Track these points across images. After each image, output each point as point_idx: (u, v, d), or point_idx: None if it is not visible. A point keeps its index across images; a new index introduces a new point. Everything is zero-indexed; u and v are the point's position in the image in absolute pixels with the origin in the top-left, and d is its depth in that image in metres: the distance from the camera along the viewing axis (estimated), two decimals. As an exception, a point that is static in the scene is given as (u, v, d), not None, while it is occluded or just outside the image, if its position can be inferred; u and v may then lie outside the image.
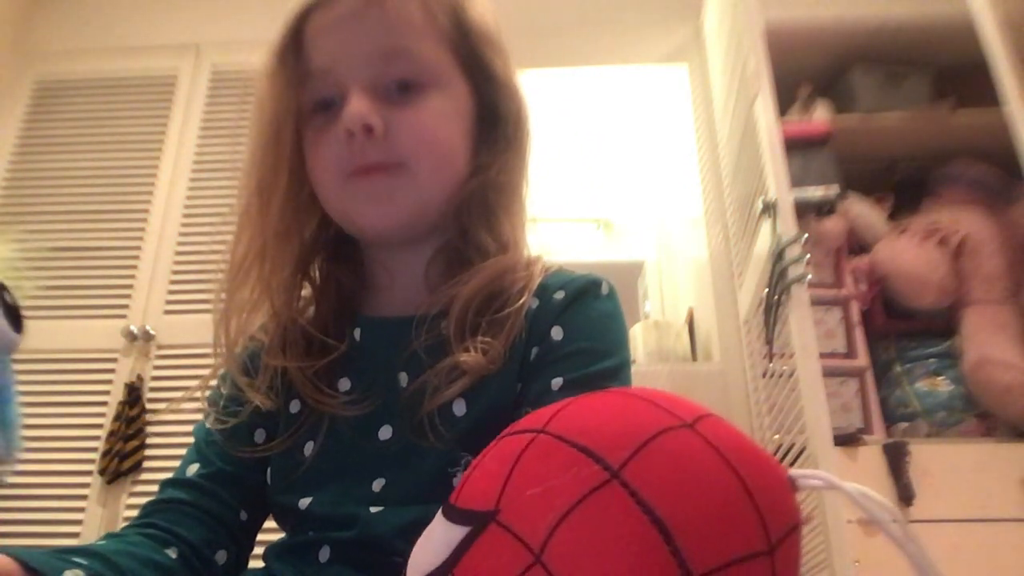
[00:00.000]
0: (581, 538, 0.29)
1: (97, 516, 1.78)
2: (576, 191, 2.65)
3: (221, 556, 0.60)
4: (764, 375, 1.71)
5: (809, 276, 1.47)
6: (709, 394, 1.85)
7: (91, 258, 2.06)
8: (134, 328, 1.94)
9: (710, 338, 2.01)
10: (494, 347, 0.58)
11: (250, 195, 0.64)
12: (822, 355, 1.49)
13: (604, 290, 0.64)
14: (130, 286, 2.02)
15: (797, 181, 1.70)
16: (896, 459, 1.53)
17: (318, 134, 0.62)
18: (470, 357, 0.57)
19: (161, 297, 2.00)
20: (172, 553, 0.56)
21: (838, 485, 0.33)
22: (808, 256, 1.48)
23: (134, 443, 1.81)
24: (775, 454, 1.61)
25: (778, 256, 1.50)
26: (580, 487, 0.29)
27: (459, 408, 0.58)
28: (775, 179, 1.55)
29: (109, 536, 0.56)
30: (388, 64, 0.61)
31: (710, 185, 2.12)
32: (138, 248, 2.06)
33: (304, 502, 0.59)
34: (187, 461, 0.65)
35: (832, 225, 1.81)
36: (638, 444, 0.30)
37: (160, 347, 1.95)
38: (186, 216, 2.09)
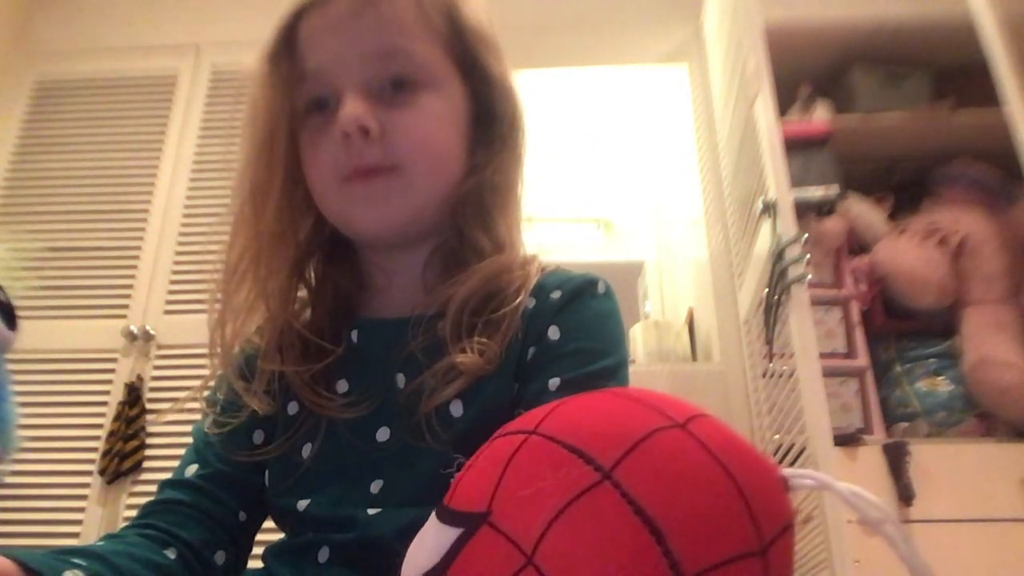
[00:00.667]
0: (572, 539, 0.29)
1: (97, 516, 1.78)
2: (576, 191, 2.65)
3: (220, 557, 0.60)
4: (764, 375, 1.71)
5: (809, 276, 1.47)
6: (709, 394, 1.85)
7: (91, 258, 2.06)
8: (134, 328, 1.94)
9: (710, 338, 2.01)
10: (490, 347, 0.58)
11: (244, 198, 0.64)
12: (822, 355, 1.49)
13: (601, 289, 0.63)
14: (130, 286, 2.02)
15: (797, 181, 1.70)
16: (896, 459, 1.53)
17: (313, 136, 0.62)
18: (467, 358, 0.57)
19: (161, 297, 2.00)
20: (171, 554, 0.56)
21: (831, 485, 0.33)
22: (808, 256, 1.48)
23: (134, 443, 1.81)
24: (775, 454, 1.61)
25: (778, 256, 1.50)
26: (571, 488, 0.29)
27: (456, 409, 0.58)
28: (775, 179, 1.55)
29: (108, 537, 0.56)
30: (383, 64, 0.61)
31: (710, 185, 2.12)
32: (138, 248, 2.06)
33: (302, 504, 0.59)
34: (185, 462, 0.65)
35: (832, 225, 1.81)
36: (630, 444, 0.30)
37: (160, 347, 1.95)
38: (186, 216, 2.09)
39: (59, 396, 1.90)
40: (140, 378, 1.90)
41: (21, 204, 2.14)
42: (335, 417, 0.61)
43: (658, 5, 2.28)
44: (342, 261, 0.70)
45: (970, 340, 1.71)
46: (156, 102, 2.23)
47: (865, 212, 1.89)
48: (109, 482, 1.79)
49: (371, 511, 0.56)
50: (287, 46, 0.62)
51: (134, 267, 2.04)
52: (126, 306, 2.00)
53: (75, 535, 1.77)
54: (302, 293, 0.69)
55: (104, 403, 1.89)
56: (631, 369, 0.63)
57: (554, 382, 0.56)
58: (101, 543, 0.54)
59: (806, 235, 1.49)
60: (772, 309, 1.55)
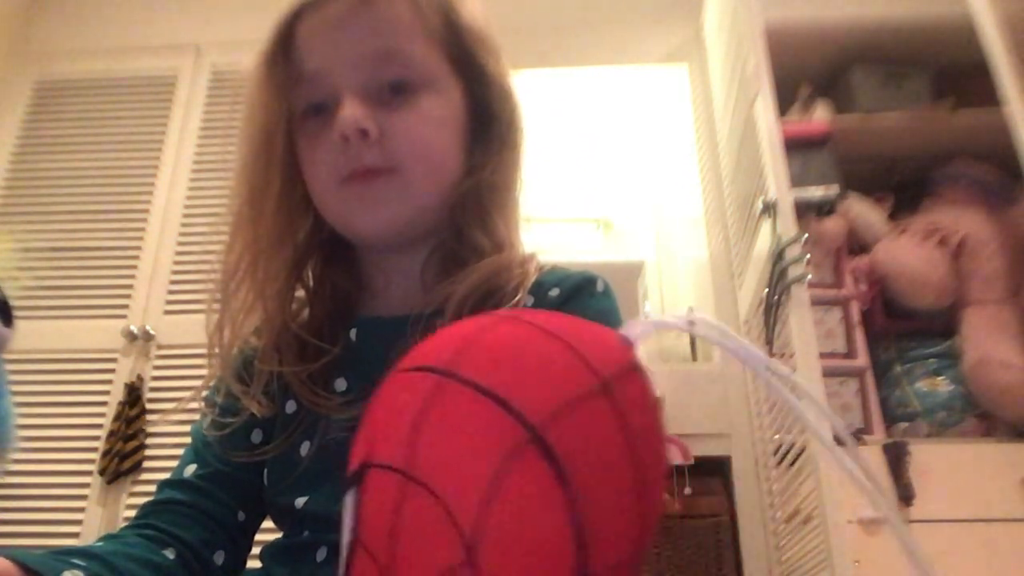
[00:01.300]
0: (438, 436, 0.29)
1: (97, 516, 1.78)
2: (576, 191, 2.65)
3: (219, 557, 0.60)
4: (764, 375, 1.70)
5: (809, 276, 1.47)
6: (709, 394, 1.85)
7: (91, 258, 2.06)
8: (134, 328, 1.94)
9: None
10: None
11: (243, 200, 0.64)
12: (822, 355, 1.49)
13: (599, 287, 0.63)
14: (130, 286, 2.02)
15: (797, 181, 1.70)
16: (896, 459, 1.53)
17: (312, 139, 0.62)
18: None
19: (161, 297, 2.00)
20: (170, 554, 0.56)
21: (695, 326, 0.33)
22: (808, 256, 1.48)
23: (134, 443, 1.81)
24: (775, 454, 1.61)
25: (778, 256, 1.50)
26: (421, 390, 0.30)
27: None
28: (775, 179, 1.55)
29: (107, 537, 0.56)
30: (380, 66, 0.61)
31: (710, 185, 2.12)
32: (138, 248, 2.06)
33: (300, 501, 0.59)
34: (184, 462, 0.65)
35: (832, 225, 1.81)
36: (463, 344, 0.30)
37: (160, 347, 1.95)
38: (186, 216, 2.09)
39: (59, 396, 1.90)
40: (140, 378, 1.90)
41: (21, 204, 2.14)
42: (334, 415, 0.61)
43: (658, 5, 2.28)
44: (341, 262, 0.69)
45: (970, 340, 1.71)
46: (156, 102, 2.23)
47: (865, 212, 1.89)
48: (109, 482, 1.79)
49: None
50: (284, 48, 0.62)
51: (134, 267, 2.04)
52: (126, 306, 2.00)
53: (75, 535, 1.77)
54: (300, 293, 0.69)
55: (104, 403, 1.89)
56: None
57: None
58: (100, 544, 0.54)
59: (806, 235, 1.49)
60: (772, 309, 1.55)
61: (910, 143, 1.96)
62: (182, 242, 2.06)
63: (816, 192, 1.78)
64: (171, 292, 2.00)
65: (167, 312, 1.98)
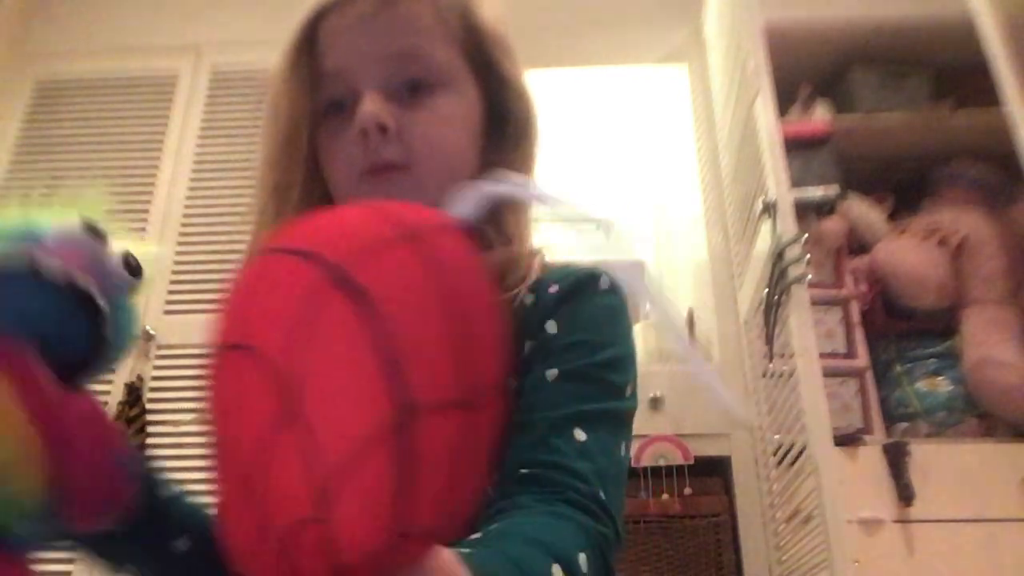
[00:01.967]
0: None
1: (97, 516, 1.78)
2: (576, 191, 2.65)
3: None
4: (764, 375, 1.71)
5: (809, 276, 1.47)
6: (709, 394, 1.85)
7: (91, 258, 2.06)
8: (134, 328, 1.94)
9: (710, 338, 2.01)
10: None
11: (267, 196, 0.64)
12: (822, 355, 1.49)
13: (604, 284, 0.62)
14: (130, 286, 2.02)
15: (797, 181, 1.70)
16: (896, 459, 1.53)
17: (332, 136, 0.63)
18: None
19: (161, 297, 2.00)
20: (182, 544, 0.56)
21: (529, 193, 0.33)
22: (808, 256, 1.48)
23: (134, 443, 1.81)
24: (775, 454, 1.61)
25: (778, 256, 1.50)
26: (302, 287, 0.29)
27: None
28: (775, 179, 1.55)
29: None
30: (400, 65, 0.62)
31: (710, 185, 2.12)
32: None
33: None
34: None
35: (832, 225, 1.81)
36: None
37: (160, 347, 1.95)
38: (186, 216, 2.09)
39: (59, 396, 1.90)
40: (140, 378, 1.90)
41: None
42: None
43: (658, 5, 2.28)
44: None
45: (970, 340, 1.71)
46: (156, 102, 2.23)
47: (865, 212, 1.89)
48: (109, 482, 1.79)
49: None
50: (307, 47, 0.63)
51: (134, 267, 2.04)
52: (126, 306, 2.00)
53: (75, 535, 1.76)
54: None
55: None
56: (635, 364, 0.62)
57: (551, 373, 0.56)
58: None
59: (806, 235, 1.49)
60: (772, 309, 1.55)
61: (910, 143, 1.96)
62: (182, 242, 2.06)
63: (816, 192, 1.78)
64: (171, 292, 2.00)
65: (167, 312, 1.98)
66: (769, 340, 1.59)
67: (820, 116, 1.97)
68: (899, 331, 1.82)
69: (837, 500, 1.29)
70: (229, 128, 2.17)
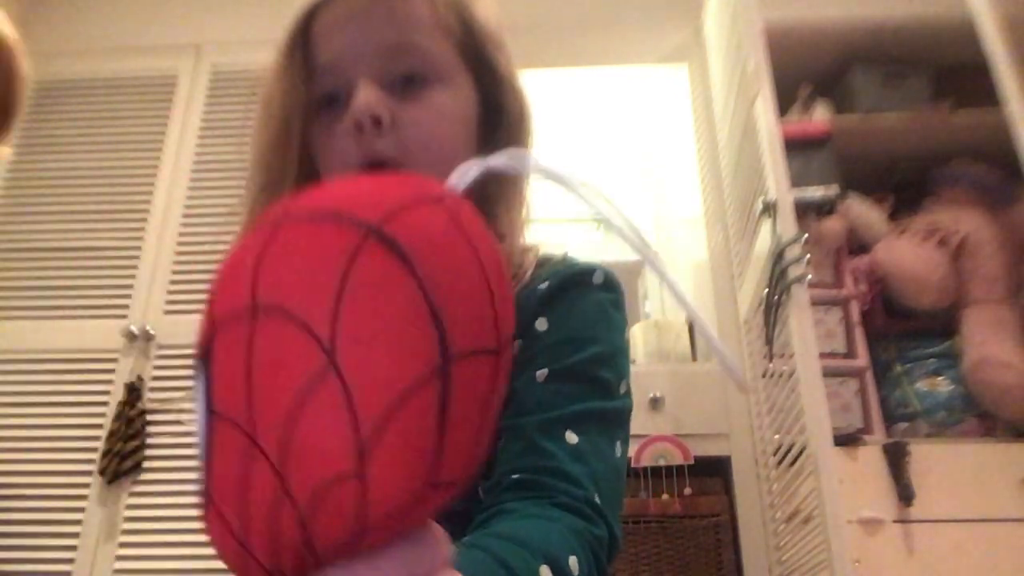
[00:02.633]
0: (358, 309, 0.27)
1: (97, 516, 1.78)
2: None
3: None
4: (764, 375, 1.71)
5: (809, 276, 1.47)
6: (709, 394, 1.85)
7: (91, 258, 2.06)
8: (134, 328, 1.94)
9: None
10: None
11: (259, 191, 0.64)
12: (822, 355, 1.49)
13: (597, 279, 0.62)
14: (130, 286, 2.02)
15: (797, 181, 1.70)
16: (896, 459, 1.53)
17: (326, 130, 0.63)
18: None
19: (161, 297, 2.00)
20: None
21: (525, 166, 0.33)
22: (808, 256, 1.48)
23: (134, 443, 1.81)
24: (775, 454, 1.61)
25: (778, 256, 1.50)
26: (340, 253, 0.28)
27: None
28: (775, 179, 1.55)
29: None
30: (395, 59, 0.61)
31: (710, 185, 2.12)
32: (138, 248, 2.06)
33: None
34: None
35: (832, 225, 1.81)
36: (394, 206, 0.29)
37: (160, 347, 1.95)
38: (186, 216, 2.09)
39: (59, 396, 1.90)
40: (140, 378, 1.90)
41: (21, 204, 2.14)
42: None
43: (658, 5, 2.28)
44: None
45: (970, 340, 1.71)
46: (156, 102, 2.23)
47: (865, 212, 1.89)
48: (109, 482, 1.79)
49: None
50: (301, 42, 0.63)
51: (134, 267, 2.04)
52: (126, 306, 2.00)
53: (75, 535, 1.77)
54: None
55: (104, 403, 1.89)
56: (631, 369, 0.62)
57: (541, 373, 0.56)
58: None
59: (806, 235, 1.49)
60: (772, 309, 1.55)
61: (910, 143, 1.96)
62: (182, 242, 2.06)
63: (816, 192, 1.79)
64: (171, 292, 2.00)
65: (167, 312, 1.98)
66: (769, 340, 1.59)
67: (820, 116, 1.97)
68: (899, 331, 1.82)
69: (837, 500, 1.29)
70: (229, 128, 2.17)
